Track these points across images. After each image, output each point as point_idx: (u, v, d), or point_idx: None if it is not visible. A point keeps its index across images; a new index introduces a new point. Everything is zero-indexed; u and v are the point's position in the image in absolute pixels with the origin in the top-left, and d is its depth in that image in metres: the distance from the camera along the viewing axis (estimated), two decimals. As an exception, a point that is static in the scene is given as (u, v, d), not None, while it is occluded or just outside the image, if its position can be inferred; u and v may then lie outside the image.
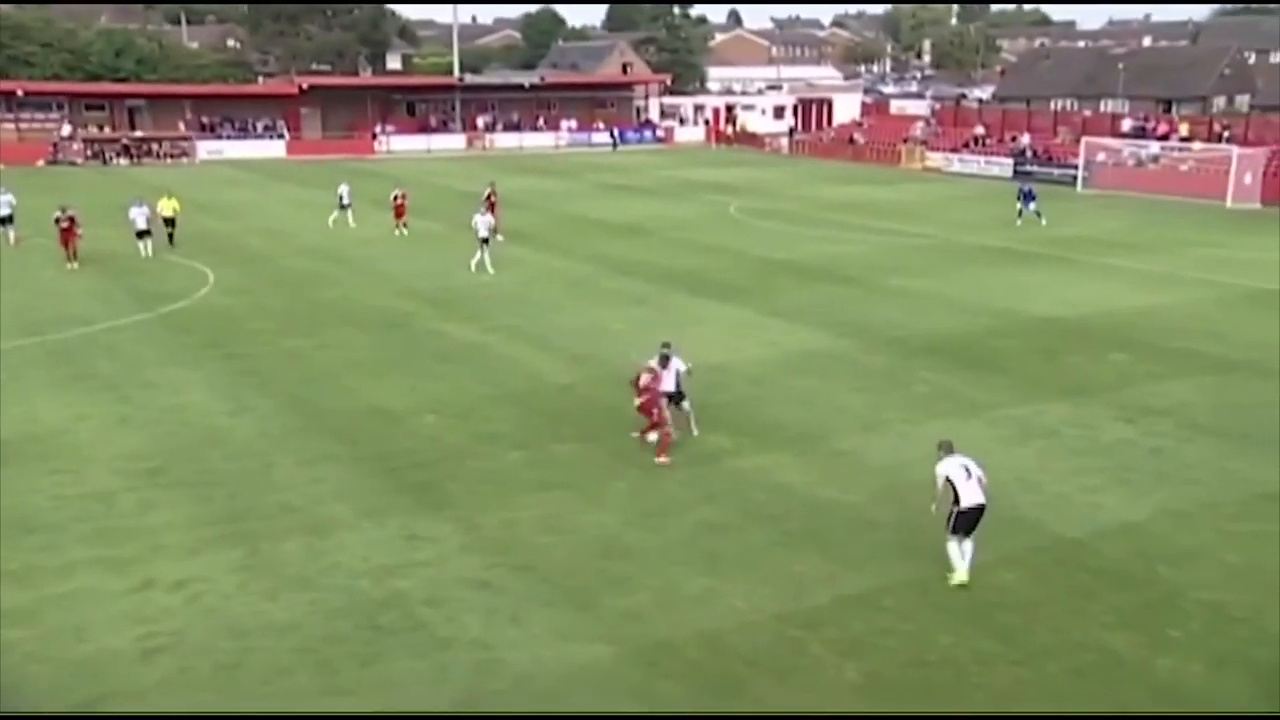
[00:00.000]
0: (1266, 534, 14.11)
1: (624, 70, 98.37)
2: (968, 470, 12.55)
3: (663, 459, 16.30)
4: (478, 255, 30.16)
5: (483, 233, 30.37)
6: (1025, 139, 59.52)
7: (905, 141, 66.35)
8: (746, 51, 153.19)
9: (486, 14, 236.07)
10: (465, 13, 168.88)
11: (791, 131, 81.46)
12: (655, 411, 16.68)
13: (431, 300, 27.23)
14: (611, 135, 78.35)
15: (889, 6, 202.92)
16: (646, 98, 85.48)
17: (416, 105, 77.96)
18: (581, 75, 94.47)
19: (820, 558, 13.39)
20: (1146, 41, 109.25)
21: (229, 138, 69.07)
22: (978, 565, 13.11)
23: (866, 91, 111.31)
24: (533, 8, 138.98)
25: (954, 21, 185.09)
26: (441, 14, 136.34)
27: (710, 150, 76.68)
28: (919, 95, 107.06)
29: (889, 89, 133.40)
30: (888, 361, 21.81)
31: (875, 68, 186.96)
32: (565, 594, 12.54)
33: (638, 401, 16.88)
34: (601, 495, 15.30)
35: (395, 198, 37.37)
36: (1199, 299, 27.59)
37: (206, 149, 67.30)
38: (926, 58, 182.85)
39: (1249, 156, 47.52)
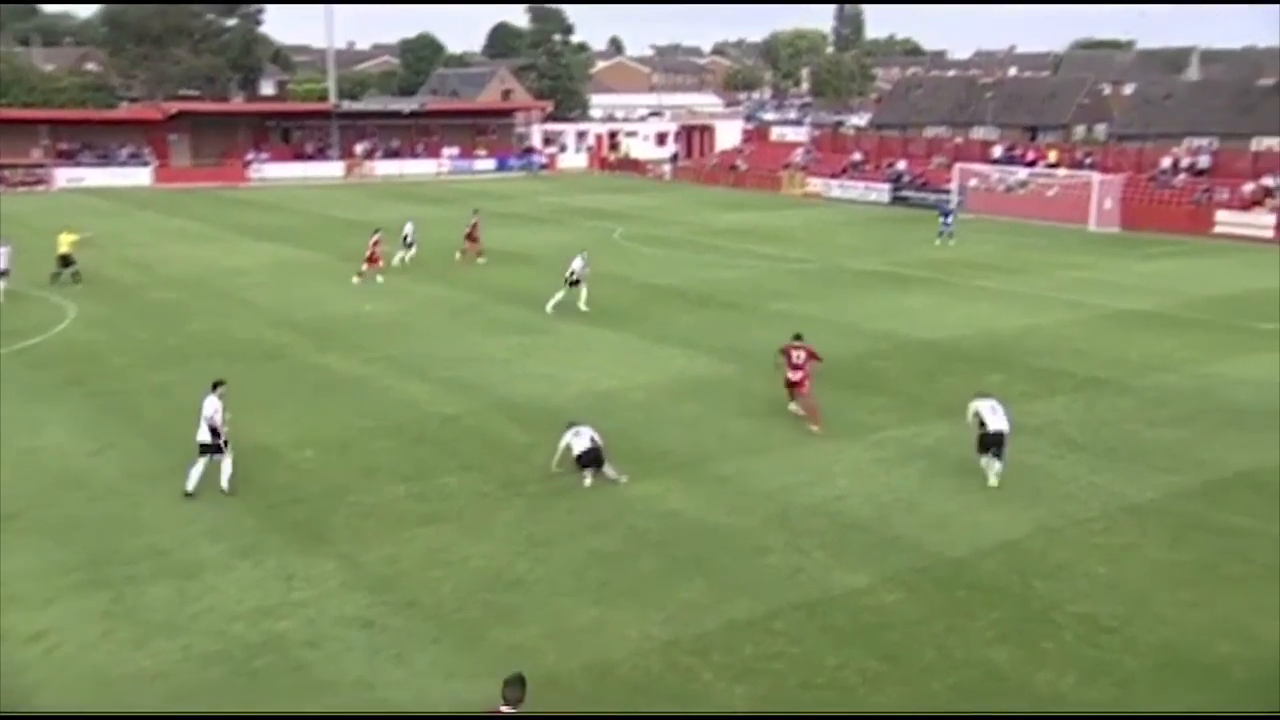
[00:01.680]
0: (1132, 546, 14.77)
1: (505, 97, 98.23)
2: (994, 409, 16.76)
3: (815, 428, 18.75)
4: (560, 294, 28.60)
5: (576, 273, 28.69)
6: (901, 165, 61.43)
7: (786, 168, 67.80)
8: (628, 78, 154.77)
9: (364, 39, 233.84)
10: (342, 38, 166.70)
11: (674, 158, 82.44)
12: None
13: (310, 331, 26.65)
14: (529, 155, 79.01)
15: (768, 34, 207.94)
16: (528, 125, 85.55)
17: (292, 132, 76.46)
18: (462, 102, 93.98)
19: (709, 584, 13.49)
20: (1012, 71, 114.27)
21: (90, 165, 66.56)
22: (862, 587, 13.42)
23: (747, 118, 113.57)
24: (411, 33, 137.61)
25: (830, 50, 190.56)
26: (317, 39, 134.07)
27: (594, 176, 77.06)
28: (798, 122, 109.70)
29: (769, 116, 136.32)
30: (771, 385, 22.16)
31: (755, 95, 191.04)
32: (451, 629, 12.36)
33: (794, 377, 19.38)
34: (488, 526, 15.15)
35: (373, 242, 33.95)
36: (1066, 320, 28.79)
37: (66, 177, 64.72)
38: (805, 85, 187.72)
39: (1108, 183, 50.01)
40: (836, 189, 62.51)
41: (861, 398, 21.38)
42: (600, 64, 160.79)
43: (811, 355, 19.72)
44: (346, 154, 75.51)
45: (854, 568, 13.93)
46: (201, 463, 15.90)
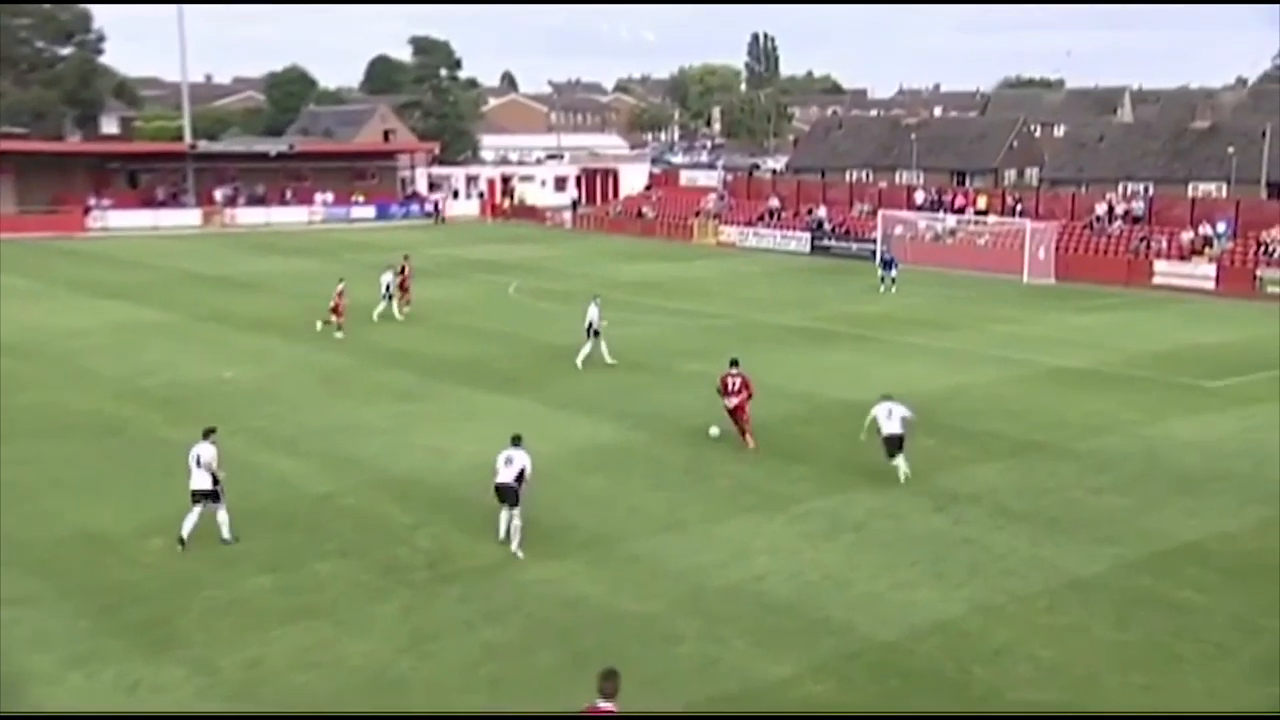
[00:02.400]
0: (1076, 626, 15.08)
1: (386, 137, 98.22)
2: (889, 413, 20.16)
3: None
4: (587, 347, 30.02)
5: (594, 323, 30.43)
6: (821, 211, 62.82)
7: (697, 215, 68.83)
8: (523, 117, 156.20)
9: (223, 72, 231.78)
10: (198, 69, 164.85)
11: (575, 204, 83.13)
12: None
13: (159, 402, 26.00)
14: (436, 208, 79.41)
15: (676, 70, 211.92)
16: (413, 168, 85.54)
17: (139, 175, 75.11)
18: (337, 143, 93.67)
19: (617, 679, 13.35)
20: (938, 111, 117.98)
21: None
22: (787, 678, 13.46)
23: (654, 161, 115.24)
24: (278, 65, 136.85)
25: (744, 88, 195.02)
26: (169, 71, 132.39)
27: (486, 225, 77.21)
28: (710, 165, 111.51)
29: (678, 159, 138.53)
30: (685, 454, 22.24)
31: (663, 136, 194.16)
32: (323, 742, 11.99)
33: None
34: (367, 620, 14.83)
35: (338, 292, 35.30)
36: (1000, 378, 29.58)
37: None
38: (716, 125, 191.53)
39: (1041, 231, 51.76)
40: (752, 238, 63.61)
41: (782, 466, 21.56)
42: (492, 101, 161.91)
43: (745, 384, 22.85)
44: (204, 200, 74.43)
45: (777, 656, 13.96)
46: (196, 511, 17.03)
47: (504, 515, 17.33)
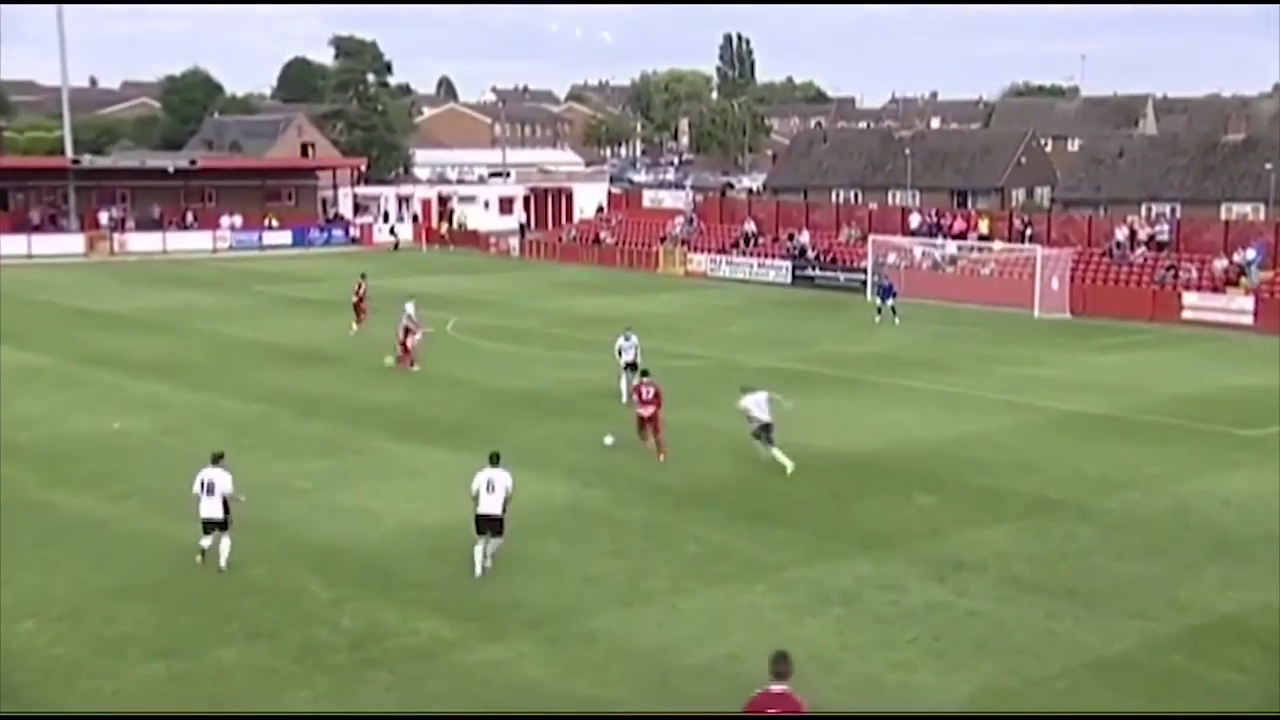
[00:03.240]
0: (1099, 713, 15.12)
1: (305, 152, 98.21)
2: (759, 404, 24.02)
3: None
4: (622, 380, 31.63)
5: (629, 356, 32.41)
6: (804, 237, 63.30)
7: (663, 241, 69.16)
8: (463, 129, 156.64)
9: (111, 75, 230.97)
10: (80, 72, 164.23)
11: (523, 229, 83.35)
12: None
13: (34, 459, 25.72)
14: (393, 231, 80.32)
15: (637, 76, 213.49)
16: (335, 187, 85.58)
17: (10, 195, 74.60)
18: (247, 158, 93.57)
19: (572, 778, 13.27)
20: (935, 123, 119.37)
21: None
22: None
23: (613, 180, 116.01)
24: (177, 68, 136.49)
25: (715, 96, 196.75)
26: (46, 75, 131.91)
27: (420, 253, 77.21)
28: (677, 185, 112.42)
29: (641, 177, 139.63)
30: (649, 515, 22.23)
31: (623, 150, 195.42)
32: None
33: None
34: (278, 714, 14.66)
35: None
36: (1008, 426, 29.81)
37: None
38: (684, 139, 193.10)
39: (1054, 258, 52.34)
40: (725, 267, 64.00)
41: (760, 528, 21.59)
42: (427, 111, 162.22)
43: (659, 394, 26.06)
44: (88, 224, 74.04)
45: (758, 750, 13.89)
46: (208, 540, 19.06)
47: (481, 547, 18.92)
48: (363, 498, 23.09)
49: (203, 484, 19.25)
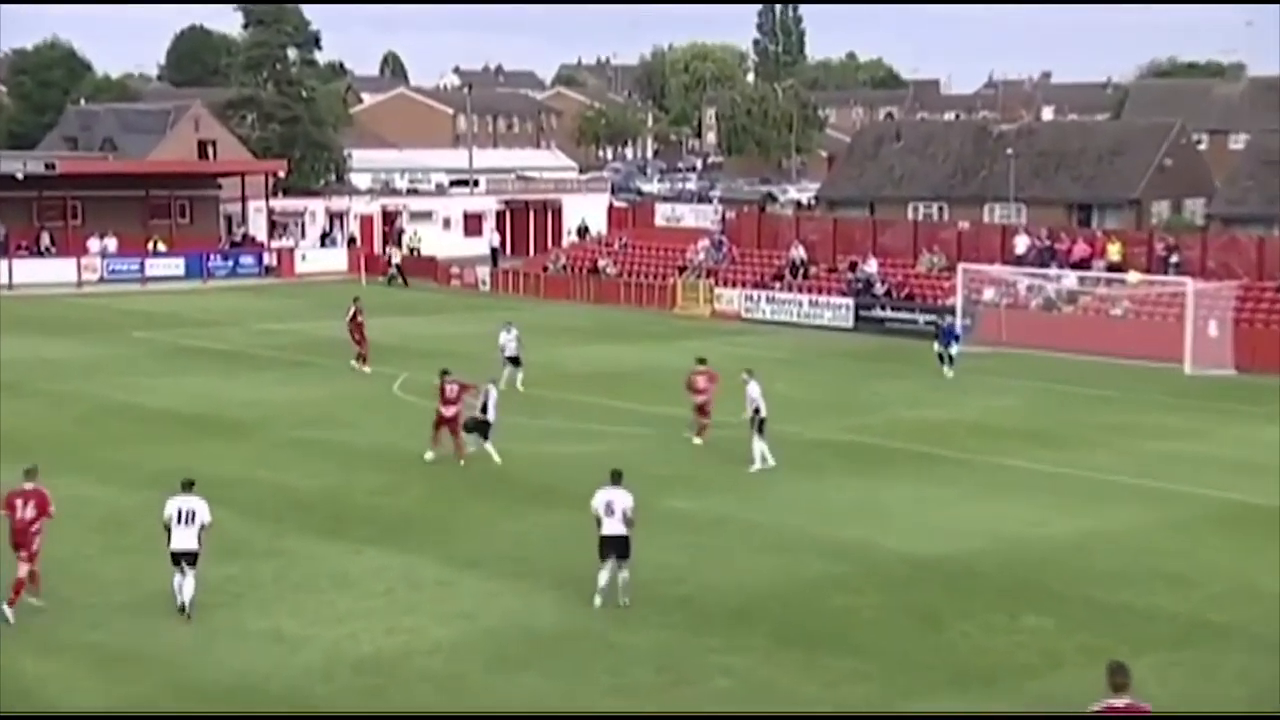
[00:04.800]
0: None
1: (203, 153, 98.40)
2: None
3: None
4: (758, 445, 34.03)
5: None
6: (870, 266, 63.30)
7: (682, 272, 69.20)
8: (416, 123, 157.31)
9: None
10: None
11: (495, 255, 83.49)
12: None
13: None
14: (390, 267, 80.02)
15: (647, 53, 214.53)
16: (244, 199, 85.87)
17: None
18: (125, 161, 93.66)
19: None
20: (1048, 114, 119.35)
21: None
22: None
23: (616, 190, 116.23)
24: (28, 40, 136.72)
25: (751, 79, 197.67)
26: None
27: (358, 286, 77.27)
28: (701, 197, 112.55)
29: (652, 186, 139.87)
30: (662, 639, 22.05)
31: (629, 151, 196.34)
32: None
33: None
34: None
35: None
36: (1150, 522, 29.56)
37: None
38: (711, 136, 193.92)
39: (1211, 295, 52.11)
40: (766, 305, 64.08)
41: (813, 657, 21.45)
42: (368, 99, 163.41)
43: (464, 388, 31.79)
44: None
45: None
46: (187, 575, 22.39)
47: (606, 572, 22.93)
48: (277, 618, 22.92)
49: (180, 513, 22.56)
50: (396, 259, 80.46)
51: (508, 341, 44.11)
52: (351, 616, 22.96)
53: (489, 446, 33.30)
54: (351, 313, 48.31)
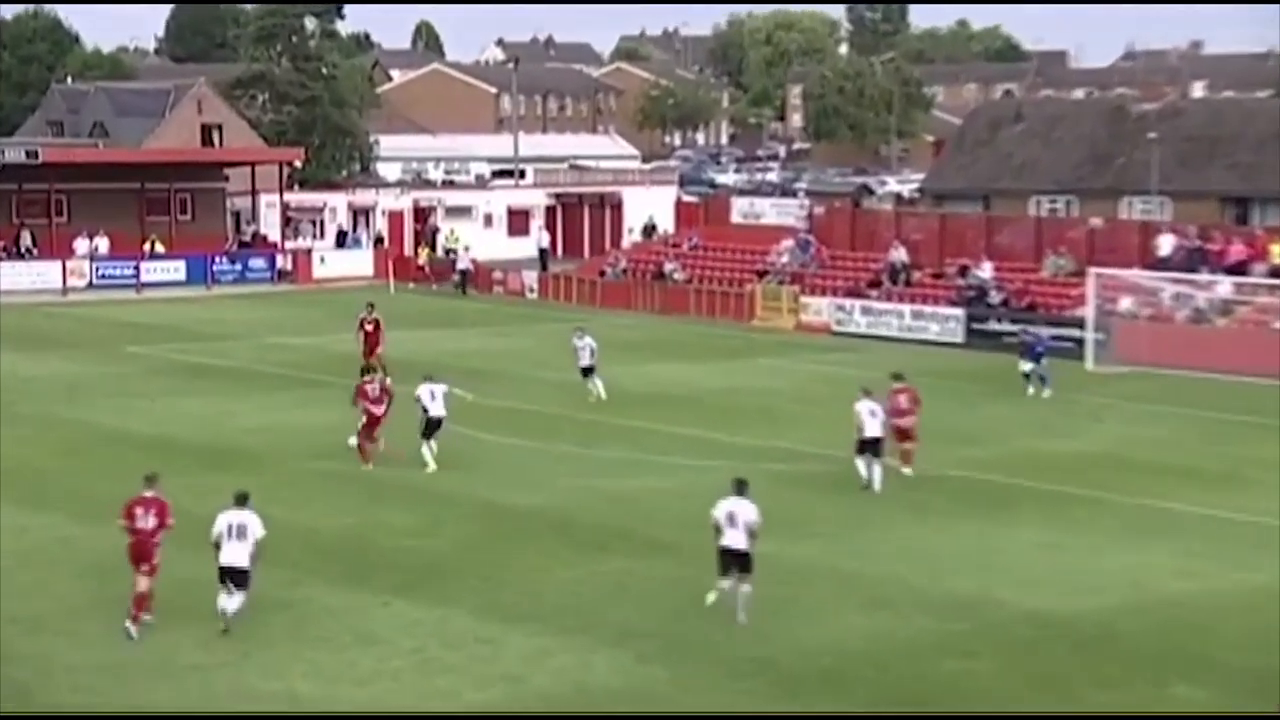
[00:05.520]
0: None
1: (207, 139, 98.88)
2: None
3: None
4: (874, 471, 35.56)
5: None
6: (985, 271, 63.04)
7: (762, 277, 69.08)
8: (453, 104, 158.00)
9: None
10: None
11: (544, 257, 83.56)
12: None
13: None
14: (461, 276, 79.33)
15: (722, 23, 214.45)
16: (255, 193, 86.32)
17: None
18: (118, 149, 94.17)
19: None
20: (1198, 90, 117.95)
21: None
22: None
23: (685, 182, 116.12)
24: (7, 11, 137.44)
25: (844, 51, 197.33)
26: None
27: (385, 292, 77.47)
28: (784, 189, 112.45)
29: (727, 177, 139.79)
30: (733, 705, 22.03)
31: (700, 137, 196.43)
32: None
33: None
34: None
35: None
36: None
37: None
38: (796, 119, 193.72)
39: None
40: (861, 317, 63.91)
41: (926, 733, 21.23)
42: (399, 76, 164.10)
43: (385, 391, 36.91)
44: None
45: None
46: (234, 595, 24.13)
47: (729, 582, 24.91)
48: (290, 679, 22.91)
49: (230, 528, 24.24)
50: (461, 264, 79.82)
51: (580, 349, 46.40)
52: (377, 678, 22.93)
53: (430, 448, 36.93)
54: (373, 324, 49.82)
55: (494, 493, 34.81)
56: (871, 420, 34.97)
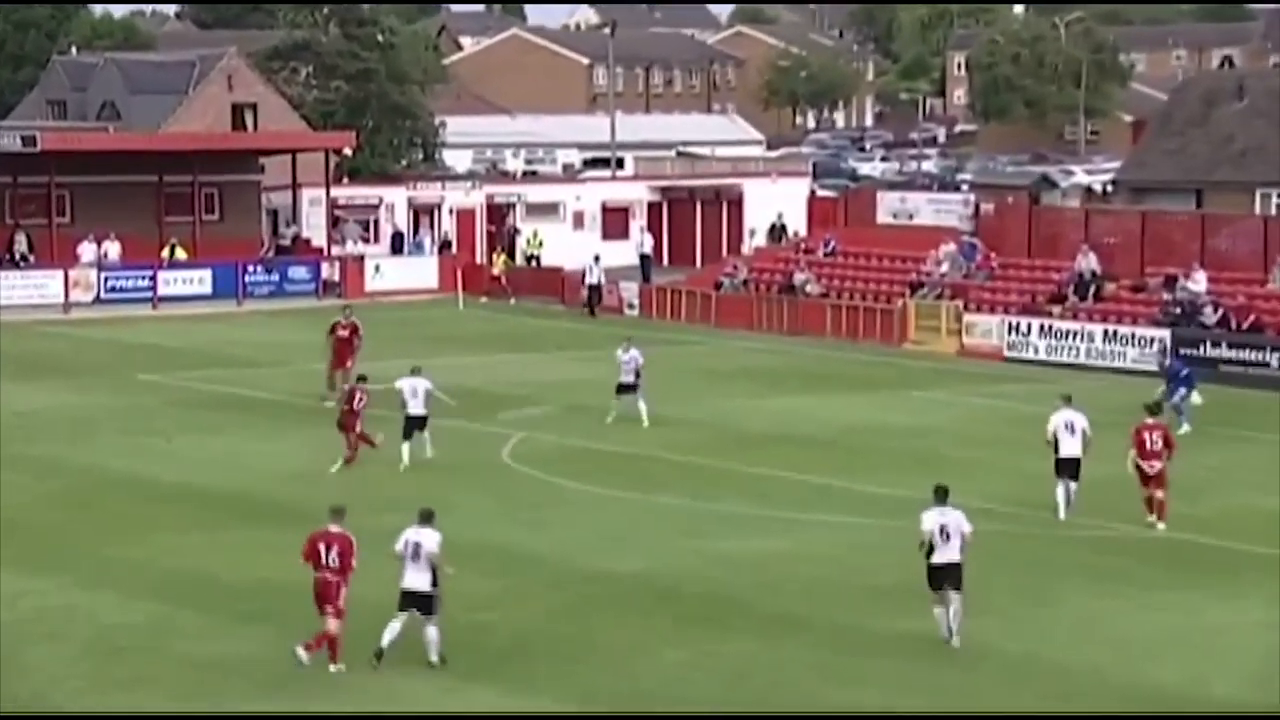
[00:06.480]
0: None
1: (238, 121, 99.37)
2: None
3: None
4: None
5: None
6: (1198, 280, 62.44)
7: (915, 290, 68.82)
8: (537, 78, 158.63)
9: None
10: None
11: (647, 265, 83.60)
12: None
13: None
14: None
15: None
16: (296, 187, 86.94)
17: None
18: (130, 134, 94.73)
19: None
20: None
21: None
22: None
23: (822, 173, 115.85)
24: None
25: (1019, 11, 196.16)
26: None
27: (452, 308, 77.78)
28: (944, 182, 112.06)
29: (873, 167, 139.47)
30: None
31: (839, 118, 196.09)
32: None
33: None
34: None
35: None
36: None
37: None
38: (959, 95, 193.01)
39: None
40: (1037, 339, 63.76)
41: None
42: (469, 44, 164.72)
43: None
44: None
45: None
46: (403, 620, 26.40)
47: (939, 606, 27.54)
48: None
49: (406, 545, 26.58)
50: (591, 277, 78.10)
51: (625, 363, 49.56)
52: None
53: (408, 450, 42.26)
54: (347, 328, 52.66)
55: (582, 554, 34.82)
56: (1069, 437, 37.29)
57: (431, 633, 26.18)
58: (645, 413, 48.64)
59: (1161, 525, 36.57)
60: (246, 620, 30.18)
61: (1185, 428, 46.33)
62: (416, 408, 41.50)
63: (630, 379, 49.04)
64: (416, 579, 26.32)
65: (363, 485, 41.07)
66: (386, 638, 26.01)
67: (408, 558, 26.53)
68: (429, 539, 26.47)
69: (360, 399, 41.73)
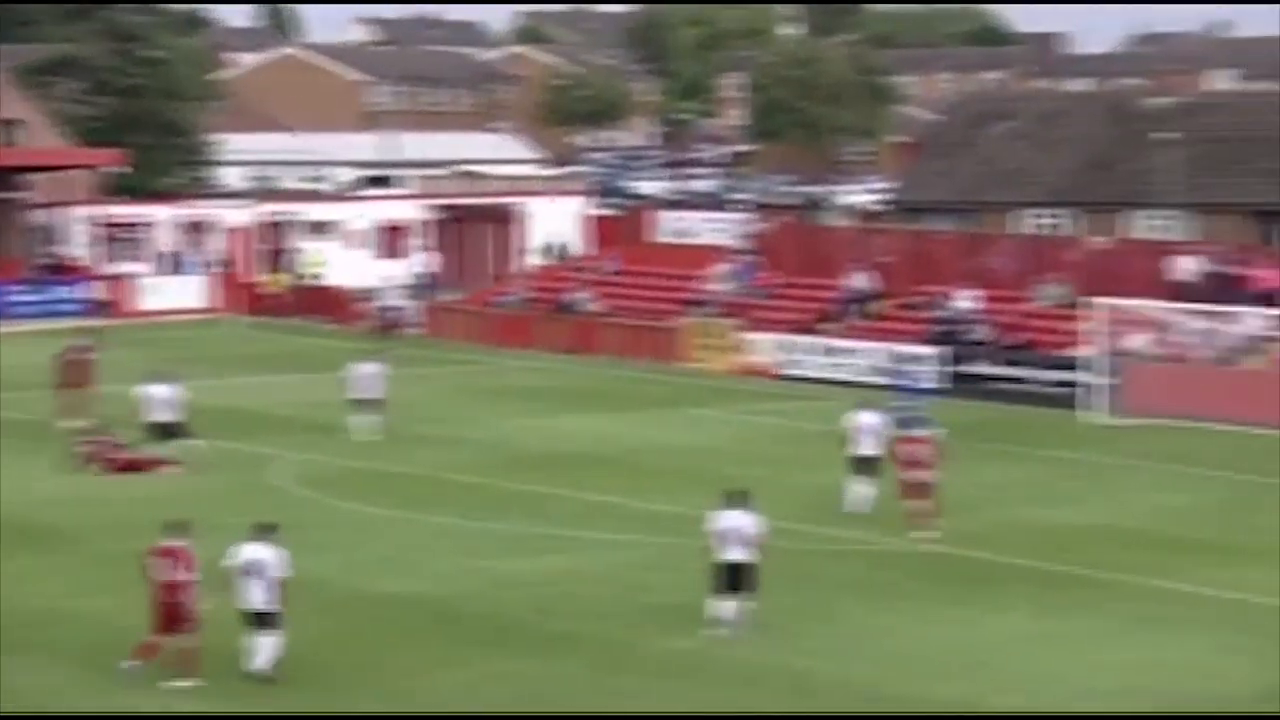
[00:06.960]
0: None
1: (2, 136, 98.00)
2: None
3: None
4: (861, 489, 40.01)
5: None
6: (963, 300, 63.18)
7: (693, 306, 68.96)
8: (313, 95, 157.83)
9: None
10: None
11: (422, 285, 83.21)
12: None
13: None
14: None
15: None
16: (62, 205, 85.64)
17: None
18: None
19: None
20: (1222, 82, 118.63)
21: None
22: None
23: (601, 192, 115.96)
24: None
25: (792, 33, 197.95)
26: None
27: (225, 328, 77.17)
28: (720, 200, 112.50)
29: (651, 186, 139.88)
30: None
31: (619, 135, 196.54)
32: None
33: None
34: None
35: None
36: None
37: None
38: (735, 115, 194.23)
39: None
40: (814, 358, 64.25)
41: None
42: (247, 60, 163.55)
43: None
44: None
45: None
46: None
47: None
48: None
49: (253, 566, 26.84)
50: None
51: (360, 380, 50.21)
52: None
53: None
54: (64, 349, 52.78)
55: (360, 577, 34.59)
56: (866, 437, 39.99)
57: (271, 641, 26.59)
58: (371, 427, 49.13)
59: (934, 535, 37.33)
60: (11, 651, 29.68)
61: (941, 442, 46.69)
62: (162, 414, 41.84)
63: (372, 394, 49.71)
64: (258, 596, 26.71)
65: (128, 507, 40.60)
66: (259, 660, 26.68)
67: (244, 577, 26.75)
68: (272, 557, 26.91)
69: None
